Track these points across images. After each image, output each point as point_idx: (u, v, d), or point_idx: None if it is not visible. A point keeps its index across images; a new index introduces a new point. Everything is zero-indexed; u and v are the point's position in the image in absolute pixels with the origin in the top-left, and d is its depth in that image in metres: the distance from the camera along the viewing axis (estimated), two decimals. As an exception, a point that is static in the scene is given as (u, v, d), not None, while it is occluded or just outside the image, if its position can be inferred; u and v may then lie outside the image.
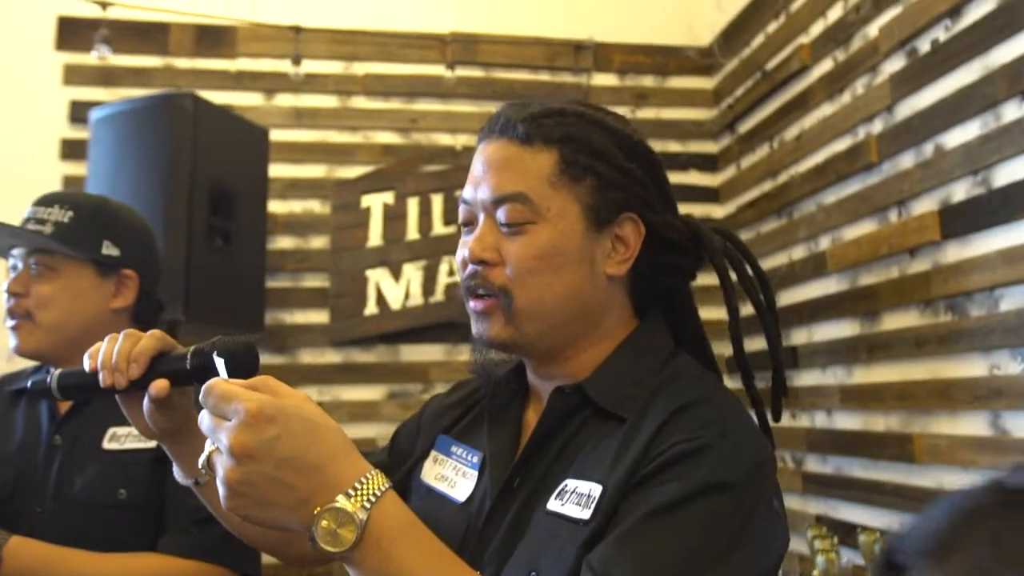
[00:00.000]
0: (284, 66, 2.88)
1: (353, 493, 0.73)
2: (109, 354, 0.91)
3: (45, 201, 1.44)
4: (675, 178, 2.99)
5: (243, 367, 0.87)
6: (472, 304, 0.94)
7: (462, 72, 3.00)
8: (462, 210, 0.97)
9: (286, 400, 0.74)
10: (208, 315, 2.32)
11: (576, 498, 0.84)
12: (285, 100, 2.95)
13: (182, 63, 2.92)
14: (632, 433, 0.86)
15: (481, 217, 0.94)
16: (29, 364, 1.56)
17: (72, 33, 2.84)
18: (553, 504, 0.86)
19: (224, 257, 2.40)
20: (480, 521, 0.91)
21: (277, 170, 2.82)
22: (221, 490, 0.72)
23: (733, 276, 1.03)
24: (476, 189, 0.94)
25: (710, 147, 3.12)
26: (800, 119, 2.55)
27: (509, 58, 3.07)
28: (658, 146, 3.12)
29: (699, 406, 0.86)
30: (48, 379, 0.96)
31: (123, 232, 1.47)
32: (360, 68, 3.00)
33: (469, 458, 0.99)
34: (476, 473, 0.97)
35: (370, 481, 0.74)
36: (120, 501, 1.34)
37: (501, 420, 0.99)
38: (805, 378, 2.49)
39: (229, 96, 2.88)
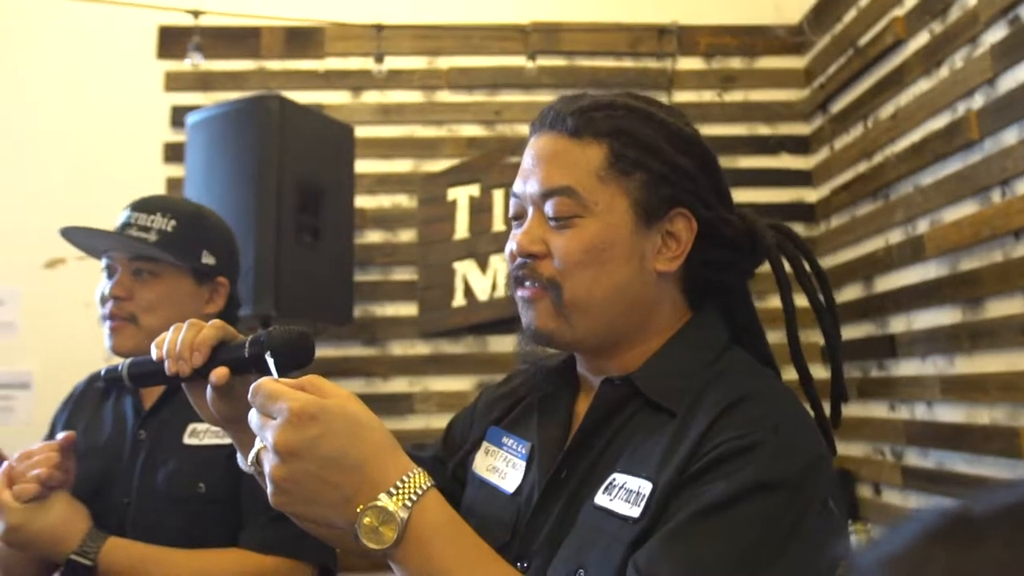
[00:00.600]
0: (369, 64, 2.94)
1: (395, 492, 0.74)
2: (173, 343, 0.94)
3: (145, 208, 1.49)
4: (765, 162, 2.96)
5: (298, 356, 0.89)
6: (519, 292, 0.94)
7: (544, 62, 2.99)
8: (512, 203, 0.97)
9: (330, 400, 0.75)
10: (298, 310, 2.40)
11: (625, 494, 0.83)
12: (371, 97, 3.01)
13: (273, 65, 3.02)
14: (683, 429, 0.84)
15: (530, 211, 0.94)
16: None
17: (172, 41, 2.97)
18: (601, 498, 0.85)
19: (313, 253, 2.47)
20: (528, 512, 0.91)
21: (365, 166, 2.88)
22: (268, 487, 0.75)
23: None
24: (525, 183, 0.94)
25: (802, 128, 3.01)
26: (895, 96, 2.43)
27: (591, 46, 3.03)
28: (746, 129, 3.06)
29: (751, 402, 0.83)
30: (119, 367, 1.00)
31: (218, 241, 1.54)
32: (443, 62, 3.03)
33: (518, 449, 0.99)
34: (525, 464, 0.97)
35: (412, 480, 0.75)
36: (199, 495, 1.39)
37: (551, 411, 0.99)
38: (904, 368, 2.38)
39: (318, 95, 2.97)
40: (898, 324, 2.42)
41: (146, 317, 1.45)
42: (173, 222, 1.48)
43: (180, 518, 1.38)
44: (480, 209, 2.95)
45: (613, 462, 0.87)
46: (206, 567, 1.36)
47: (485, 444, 1.05)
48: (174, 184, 2.88)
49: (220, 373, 0.91)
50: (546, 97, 2.99)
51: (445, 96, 3.03)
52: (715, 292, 0.98)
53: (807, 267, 1.00)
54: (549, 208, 0.91)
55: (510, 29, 3.01)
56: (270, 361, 0.87)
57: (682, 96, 3.02)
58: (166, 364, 0.94)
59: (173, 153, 2.92)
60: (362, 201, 2.88)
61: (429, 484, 0.77)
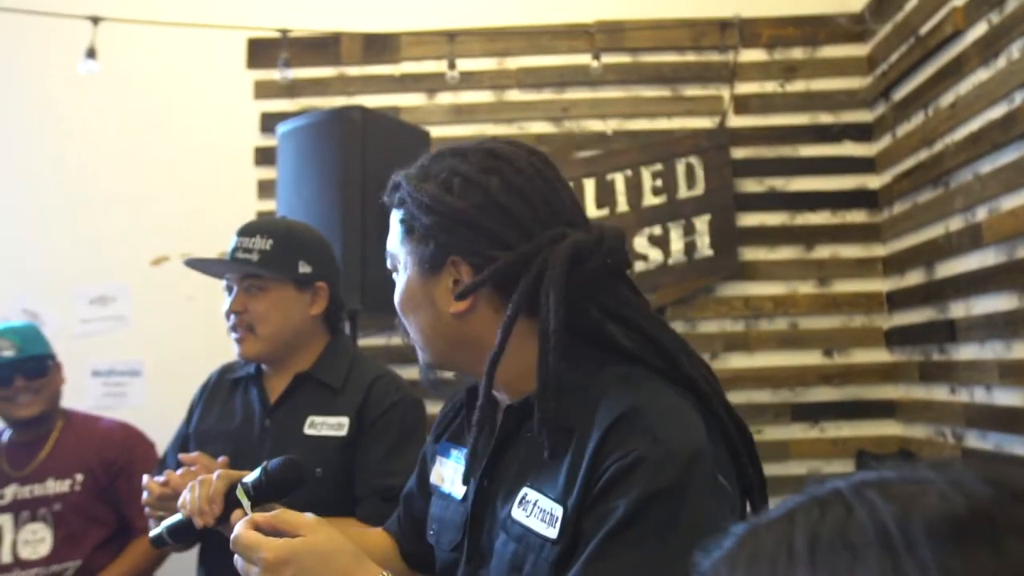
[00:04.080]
0: (443, 67, 3.10)
1: None
2: (194, 503, 1.16)
3: (247, 232, 1.73)
4: (828, 150, 3.02)
5: (292, 480, 1.18)
6: None
7: (608, 59, 3.10)
8: None
9: (297, 541, 0.91)
10: (382, 304, 2.58)
11: (540, 513, 0.95)
12: (445, 98, 3.18)
13: (353, 71, 3.21)
14: (580, 449, 0.93)
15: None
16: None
17: (260, 53, 3.20)
18: (517, 512, 0.97)
19: (394, 250, 2.65)
20: (469, 517, 1.06)
21: (440, 164, 3.04)
22: None
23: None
24: None
25: (865, 116, 3.05)
26: (955, 85, 2.47)
27: (654, 42, 3.13)
28: (808, 118, 3.10)
29: (629, 418, 0.91)
30: (162, 533, 1.25)
31: (311, 251, 1.76)
32: (512, 63, 3.17)
33: (462, 457, 1.13)
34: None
35: None
36: (317, 477, 1.62)
37: (477, 425, 1.08)
38: (963, 352, 2.44)
39: (395, 98, 3.15)
40: (958, 309, 2.47)
41: (262, 326, 1.69)
42: (270, 241, 1.70)
43: (300, 495, 1.60)
44: (549, 202, 3.08)
45: (523, 475, 0.99)
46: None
47: (439, 458, 1.20)
48: (264, 186, 3.10)
49: (236, 517, 1.12)
50: (612, 94, 3.12)
51: (514, 95, 3.17)
52: (581, 320, 1.01)
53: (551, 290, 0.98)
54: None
55: (576, 29, 3.14)
56: (245, 504, 1.14)
57: (744, 88, 3.09)
58: (194, 520, 1.16)
59: (263, 157, 3.14)
60: (438, 198, 3.04)
61: None
